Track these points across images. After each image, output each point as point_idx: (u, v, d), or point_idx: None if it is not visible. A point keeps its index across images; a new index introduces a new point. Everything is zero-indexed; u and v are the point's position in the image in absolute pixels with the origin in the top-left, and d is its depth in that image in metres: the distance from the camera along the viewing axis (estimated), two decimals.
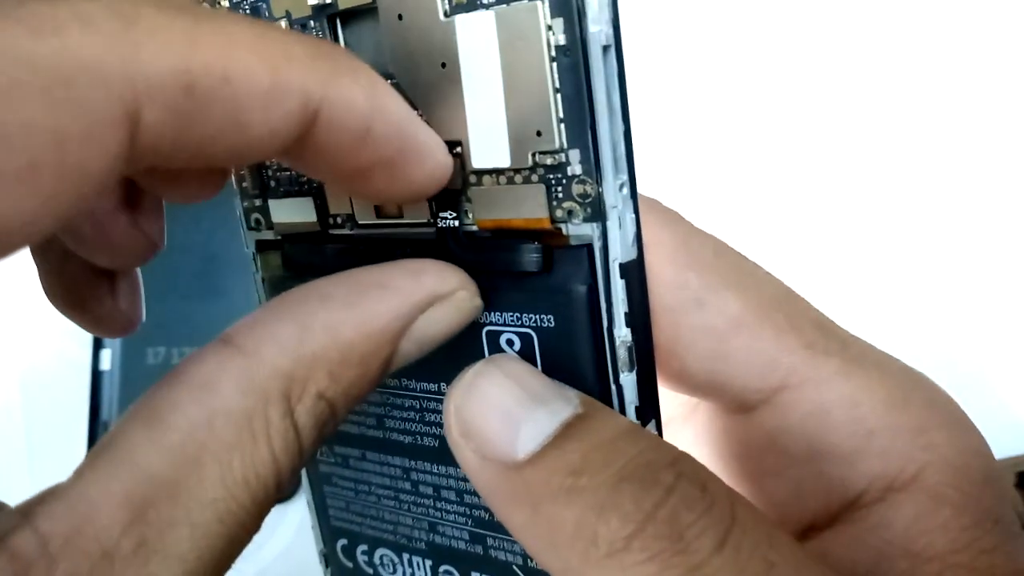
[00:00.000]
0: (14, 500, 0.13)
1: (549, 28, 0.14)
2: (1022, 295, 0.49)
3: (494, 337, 0.17)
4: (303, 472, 0.21)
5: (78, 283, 0.17)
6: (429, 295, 0.15)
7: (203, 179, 0.15)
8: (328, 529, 0.21)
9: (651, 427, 0.16)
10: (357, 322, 0.14)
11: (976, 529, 0.15)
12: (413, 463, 0.19)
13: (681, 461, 0.14)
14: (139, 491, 0.12)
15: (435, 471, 0.19)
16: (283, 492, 0.14)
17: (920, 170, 0.50)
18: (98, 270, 0.17)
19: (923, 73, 0.51)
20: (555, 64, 0.14)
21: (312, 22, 0.17)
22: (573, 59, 0.14)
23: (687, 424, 0.19)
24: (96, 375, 0.47)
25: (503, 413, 0.14)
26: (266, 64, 0.12)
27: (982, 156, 0.51)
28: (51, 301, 0.17)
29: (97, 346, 0.47)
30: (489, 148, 0.16)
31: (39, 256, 0.17)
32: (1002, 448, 0.47)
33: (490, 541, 0.18)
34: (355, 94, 0.13)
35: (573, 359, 0.16)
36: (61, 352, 0.48)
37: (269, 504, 0.13)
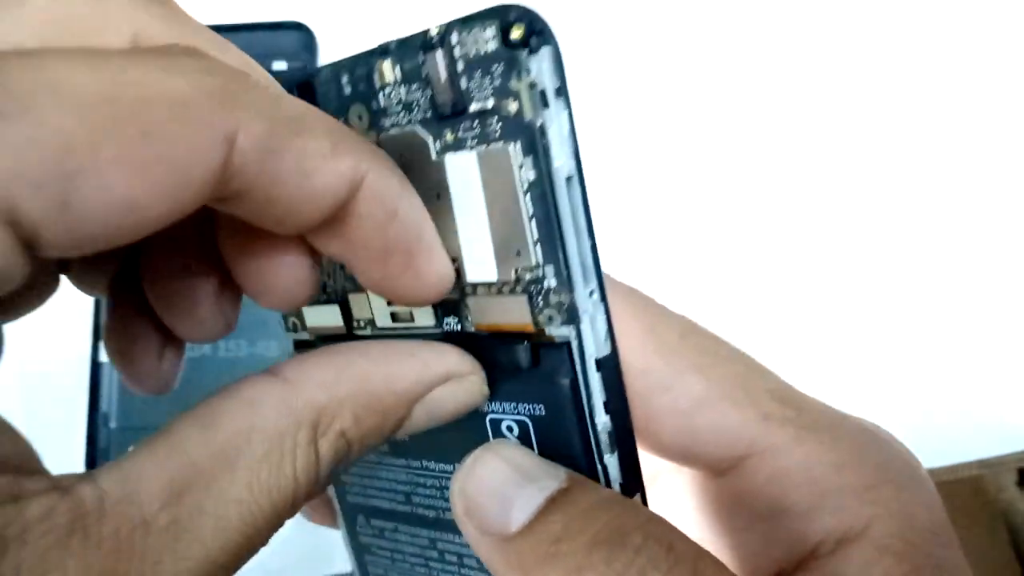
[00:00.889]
0: None
1: (520, 166, 0.17)
2: (1020, 295, 0.50)
3: (496, 424, 0.19)
4: (348, 544, 0.24)
5: (138, 338, 0.20)
6: (447, 372, 0.18)
7: (286, 266, 0.18)
8: None
9: (637, 499, 0.19)
10: (385, 377, 0.17)
11: (915, 575, 0.17)
12: (438, 534, 0.21)
13: (650, 524, 0.16)
14: (181, 476, 0.14)
15: (457, 541, 0.21)
16: (293, 514, 0.16)
17: (918, 170, 0.51)
18: (158, 333, 0.20)
19: (894, 107, 0.52)
20: (528, 195, 0.17)
21: None
22: (541, 190, 0.17)
23: (679, 474, 0.21)
24: (95, 366, 0.47)
25: (498, 493, 0.17)
26: (328, 132, 0.15)
27: (975, 159, 0.52)
28: (105, 345, 0.20)
29: (97, 338, 0.47)
30: (479, 265, 0.18)
31: (114, 311, 0.20)
32: (1001, 446, 0.47)
33: None
34: (391, 176, 0.16)
35: (564, 442, 0.18)
36: (61, 343, 0.47)
37: (282, 518, 0.16)
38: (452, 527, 0.21)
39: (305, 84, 0.20)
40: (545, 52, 0.16)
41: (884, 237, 0.50)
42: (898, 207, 0.51)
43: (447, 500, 0.21)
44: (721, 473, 0.19)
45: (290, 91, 0.20)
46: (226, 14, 0.49)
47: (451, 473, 0.21)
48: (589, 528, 0.16)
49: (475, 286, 0.19)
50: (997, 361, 0.49)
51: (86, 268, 0.20)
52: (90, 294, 0.21)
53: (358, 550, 0.24)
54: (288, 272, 0.17)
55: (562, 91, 0.17)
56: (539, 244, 0.17)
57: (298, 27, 0.48)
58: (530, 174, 0.17)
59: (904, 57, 0.53)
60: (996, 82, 0.53)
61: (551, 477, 0.17)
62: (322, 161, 0.15)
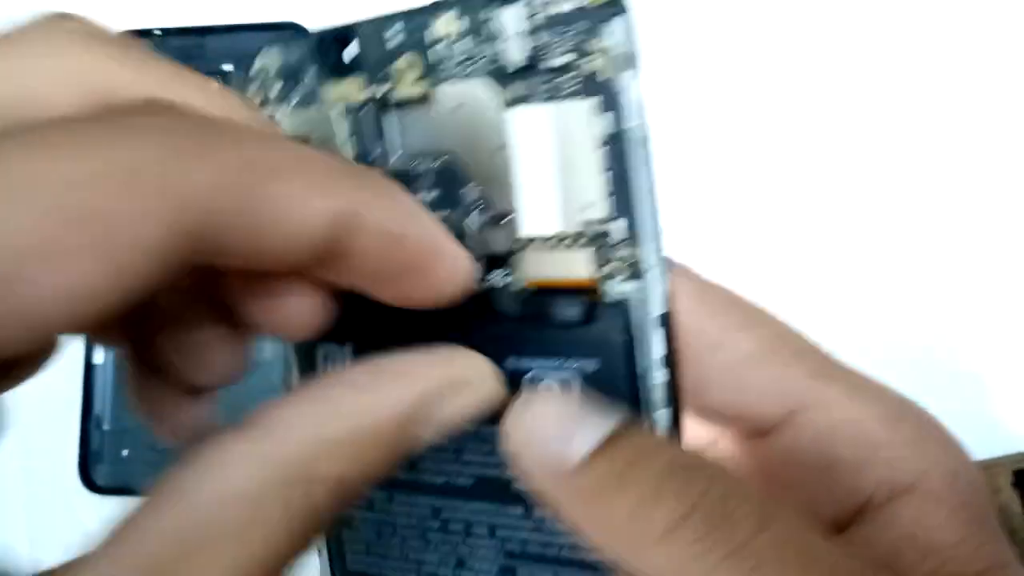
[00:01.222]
0: (6, 493, 0.14)
1: (596, 122, 0.18)
2: (1017, 296, 0.50)
3: (536, 381, 0.19)
4: None
5: (162, 394, 0.19)
6: (447, 383, 0.17)
7: (294, 299, 0.17)
8: (342, 572, 0.23)
9: None
10: (376, 407, 0.16)
11: (971, 525, 0.17)
12: (445, 502, 0.21)
13: (714, 463, 0.16)
14: (151, 570, 0.13)
15: (467, 508, 0.20)
16: (293, 569, 0.15)
17: (919, 167, 0.51)
18: (181, 386, 0.19)
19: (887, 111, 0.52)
20: (604, 148, 0.18)
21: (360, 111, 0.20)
22: (618, 147, 0.17)
23: (715, 450, 0.22)
24: (89, 368, 0.46)
25: (555, 427, 0.16)
26: (303, 172, 0.15)
27: (974, 155, 0.51)
28: (131, 406, 0.19)
29: (90, 340, 0.45)
30: (541, 218, 0.19)
31: (135, 368, 0.19)
32: (999, 447, 0.48)
33: (521, 571, 0.20)
34: (391, 204, 0.16)
35: (613, 397, 0.18)
36: None
37: (281, 571, 0.14)
38: (464, 493, 0.20)
39: (342, 39, 0.20)
40: (622, 19, 0.17)
41: (884, 240, 0.51)
42: (897, 210, 0.51)
43: (463, 463, 0.20)
44: (765, 433, 0.20)
45: (325, 48, 0.20)
46: (222, 15, 0.48)
47: (471, 433, 0.19)
48: (658, 460, 0.16)
49: (530, 240, 0.19)
50: (993, 364, 0.49)
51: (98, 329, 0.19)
52: (109, 347, 0.20)
53: (332, 524, 0.22)
54: (297, 304, 0.17)
55: (636, 57, 0.17)
56: (613, 197, 0.18)
57: (294, 28, 0.48)
58: (607, 129, 0.17)
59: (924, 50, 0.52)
60: None
61: (607, 416, 0.17)
62: (299, 202, 0.14)
